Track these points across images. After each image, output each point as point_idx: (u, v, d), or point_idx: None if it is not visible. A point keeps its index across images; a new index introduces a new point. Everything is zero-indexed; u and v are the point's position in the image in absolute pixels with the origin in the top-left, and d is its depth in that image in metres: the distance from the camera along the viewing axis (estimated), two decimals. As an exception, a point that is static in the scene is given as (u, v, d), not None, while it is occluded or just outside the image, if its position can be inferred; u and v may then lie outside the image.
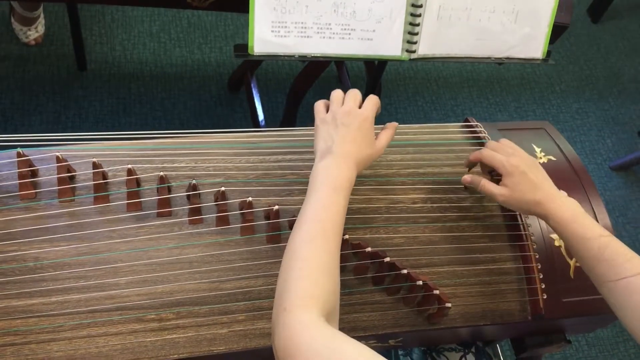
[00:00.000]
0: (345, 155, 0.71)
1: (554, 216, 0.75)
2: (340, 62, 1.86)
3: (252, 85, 1.71)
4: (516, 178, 0.77)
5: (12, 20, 1.74)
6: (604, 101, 2.24)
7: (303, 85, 1.59)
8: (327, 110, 0.76)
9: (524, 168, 0.78)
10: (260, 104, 1.70)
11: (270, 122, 1.80)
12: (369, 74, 1.82)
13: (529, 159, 0.80)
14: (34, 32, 1.77)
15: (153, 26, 1.93)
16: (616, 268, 0.69)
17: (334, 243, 0.64)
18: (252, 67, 1.75)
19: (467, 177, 0.84)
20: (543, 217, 0.77)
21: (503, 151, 0.81)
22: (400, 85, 2.05)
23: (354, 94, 0.76)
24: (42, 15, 1.78)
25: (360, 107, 0.75)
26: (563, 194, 0.78)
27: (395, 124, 0.81)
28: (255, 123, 1.69)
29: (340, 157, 0.70)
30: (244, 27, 2.01)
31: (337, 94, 0.77)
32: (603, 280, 0.70)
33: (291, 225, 0.80)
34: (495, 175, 0.84)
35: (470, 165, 0.89)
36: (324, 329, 0.55)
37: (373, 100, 0.76)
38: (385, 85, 2.02)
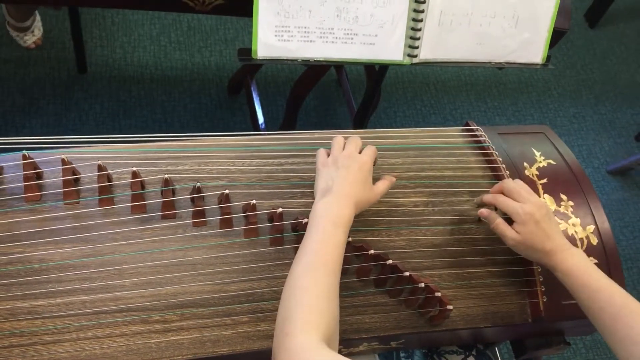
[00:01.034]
0: (345, 195, 0.74)
1: (561, 267, 0.77)
2: (339, 67, 1.87)
3: (252, 88, 1.72)
4: (529, 227, 0.78)
5: (7, 27, 1.74)
6: (601, 105, 2.26)
7: (303, 89, 1.60)
8: (328, 157, 0.80)
9: (537, 217, 0.78)
10: (260, 107, 1.71)
11: (270, 125, 1.81)
12: (369, 78, 1.83)
13: (543, 207, 0.79)
14: (31, 36, 1.76)
15: (153, 29, 1.93)
16: (623, 326, 0.69)
17: (332, 274, 0.67)
18: (252, 70, 1.75)
19: (484, 212, 0.84)
20: (550, 267, 0.79)
21: (519, 196, 0.80)
22: (399, 89, 2.06)
23: (355, 140, 0.81)
24: (37, 19, 1.77)
25: (360, 153, 0.79)
26: (571, 245, 0.79)
27: (393, 178, 0.83)
28: (255, 126, 1.70)
29: (340, 196, 0.73)
30: (244, 31, 2.02)
31: (338, 140, 0.81)
32: (612, 339, 0.71)
33: (294, 227, 0.81)
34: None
35: (482, 205, 0.87)
36: (325, 352, 0.57)
37: (372, 149, 0.80)
38: (384, 89, 2.03)
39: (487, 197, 0.85)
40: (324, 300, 0.63)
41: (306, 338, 0.58)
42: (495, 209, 0.85)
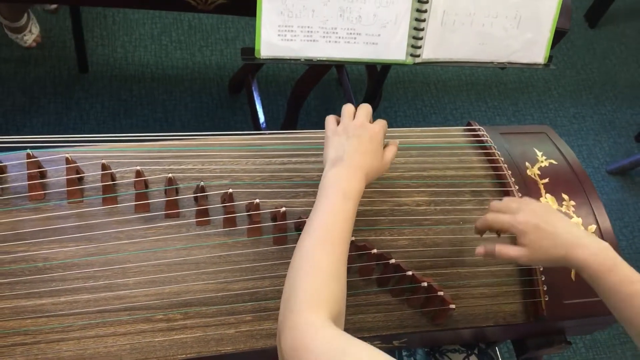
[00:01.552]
0: (356, 166, 0.71)
1: (588, 269, 0.69)
2: (340, 66, 1.87)
3: (253, 88, 1.72)
4: (531, 235, 0.71)
5: (5, 30, 1.74)
6: (600, 105, 2.26)
7: (304, 88, 1.60)
8: (338, 125, 0.77)
9: (535, 221, 0.72)
10: (261, 106, 1.71)
11: (271, 124, 1.81)
12: (370, 78, 1.83)
13: (538, 208, 0.74)
14: (30, 35, 1.76)
15: (154, 29, 1.94)
16: None
17: (342, 249, 0.65)
18: (253, 70, 1.76)
19: (480, 250, 0.76)
20: (575, 268, 0.71)
21: (508, 209, 0.75)
22: (400, 89, 2.06)
23: (366, 108, 0.78)
24: (30, 16, 1.77)
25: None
26: (589, 234, 0.72)
27: (397, 141, 0.80)
28: (256, 126, 1.70)
29: (351, 167, 0.71)
30: (245, 30, 2.02)
31: (348, 107, 0.78)
32: None
33: (298, 226, 0.81)
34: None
35: (480, 232, 0.81)
36: (331, 330, 0.55)
37: (383, 121, 0.78)
38: (385, 89, 2.03)
39: (479, 222, 0.79)
40: (331, 277, 0.61)
41: (312, 315, 0.57)
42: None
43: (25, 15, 1.72)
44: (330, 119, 0.78)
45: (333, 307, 0.59)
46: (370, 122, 0.77)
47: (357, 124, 0.75)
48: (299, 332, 0.56)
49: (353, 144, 0.73)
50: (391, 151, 0.78)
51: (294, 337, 0.56)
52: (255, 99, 1.71)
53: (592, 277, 0.69)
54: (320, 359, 0.53)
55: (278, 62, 0.90)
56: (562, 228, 0.72)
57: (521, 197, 0.87)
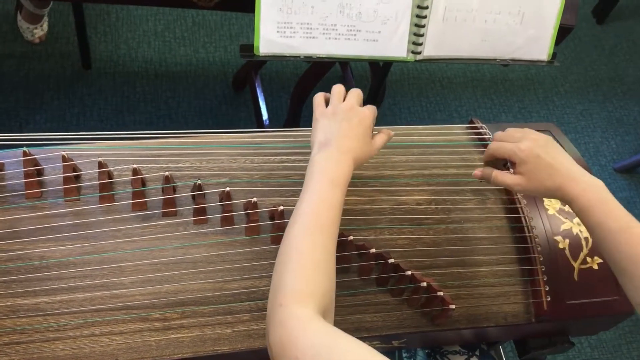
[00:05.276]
0: (345, 150, 0.70)
1: (577, 202, 0.69)
2: (344, 63, 1.87)
3: (256, 84, 1.71)
4: (531, 164, 0.72)
5: (19, 18, 1.74)
6: (608, 102, 2.24)
7: (307, 85, 1.59)
8: (327, 104, 0.75)
9: (537, 151, 0.72)
10: (264, 103, 1.70)
11: (275, 121, 1.81)
12: (374, 75, 1.82)
13: (541, 138, 0.74)
14: (40, 30, 1.77)
15: (158, 25, 1.93)
16: None
17: (330, 238, 0.63)
18: (256, 66, 1.75)
19: (477, 172, 0.79)
20: (566, 201, 0.72)
21: (511, 138, 0.76)
22: (405, 86, 2.05)
23: (357, 92, 0.76)
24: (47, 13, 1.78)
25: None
26: (585, 172, 0.72)
27: (391, 132, 0.79)
28: (259, 122, 1.70)
29: (339, 151, 0.69)
30: (249, 27, 2.02)
31: (338, 88, 0.76)
32: (629, 280, 0.65)
33: (296, 225, 0.80)
34: (510, 166, 0.78)
35: (485, 164, 0.82)
36: (320, 324, 0.54)
37: (372, 107, 0.76)
38: (390, 86, 2.02)
39: (483, 156, 0.81)
40: (319, 269, 0.60)
41: (300, 309, 0.55)
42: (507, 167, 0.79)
43: (49, 7, 1.73)
44: (319, 99, 0.76)
45: (321, 300, 0.58)
46: (360, 106, 0.75)
47: (346, 107, 0.73)
48: (287, 326, 0.54)
49: (342, 127, 0.71)
50: (381, 138, 0.76)
51: (282, 331, 0.54)
52: (259, 95, 1.70)
53: (581, 210, 0.69)
54: (307, 353, 0.51)
55: (277, 59, 0.90)
56: (560, 161, 0.72)
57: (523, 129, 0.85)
